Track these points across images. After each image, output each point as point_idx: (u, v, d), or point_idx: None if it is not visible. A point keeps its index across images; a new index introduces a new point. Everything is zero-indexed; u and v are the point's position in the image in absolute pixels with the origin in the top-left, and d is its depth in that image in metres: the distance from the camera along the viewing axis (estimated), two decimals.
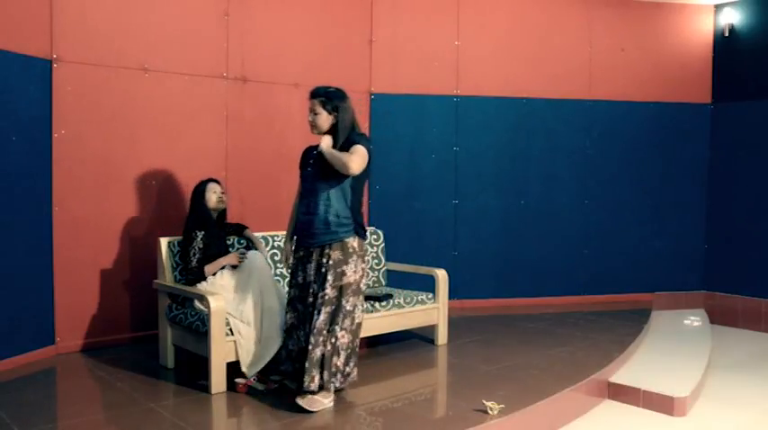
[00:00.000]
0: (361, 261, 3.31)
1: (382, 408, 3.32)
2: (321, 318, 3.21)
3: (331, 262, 3.23)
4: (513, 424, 3.14)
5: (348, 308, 3.27)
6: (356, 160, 3.14)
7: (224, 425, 3.19)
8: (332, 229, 3.23)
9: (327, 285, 3.23)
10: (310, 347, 3.20)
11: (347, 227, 3.26)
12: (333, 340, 3.24)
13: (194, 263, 3.76)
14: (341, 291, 3.25)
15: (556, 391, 3.48)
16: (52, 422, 3.06)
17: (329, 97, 3.28)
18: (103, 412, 3.22)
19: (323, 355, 3.22)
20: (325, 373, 3.22)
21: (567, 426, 3.48)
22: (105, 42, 4.31)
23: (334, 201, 3.24)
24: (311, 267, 3.30)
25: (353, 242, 3.27)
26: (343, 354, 3.28)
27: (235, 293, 3.70)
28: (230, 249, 4.01)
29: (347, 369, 3.34)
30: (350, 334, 3.30)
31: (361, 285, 3.35)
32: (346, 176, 3.21)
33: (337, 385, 3.30)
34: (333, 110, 3.27)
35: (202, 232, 3.81)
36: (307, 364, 3.20)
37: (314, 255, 3.29)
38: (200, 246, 3.78)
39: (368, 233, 3.53)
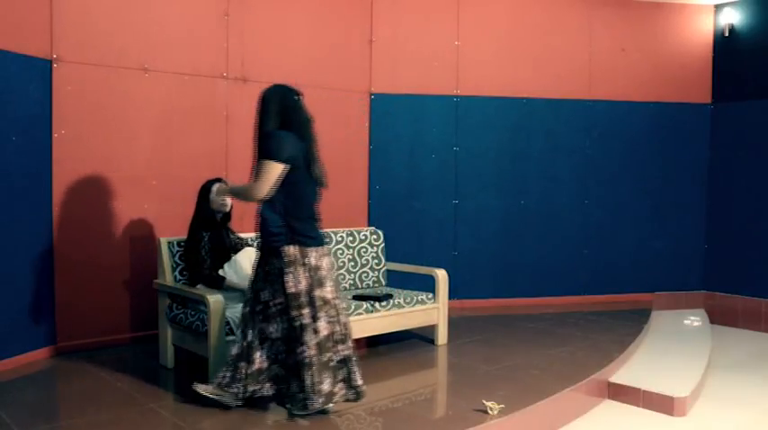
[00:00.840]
0: (304, 270, 3.05)
1: (382, 408, 3.33)
2: (283, 326, 3.12)
3: (275, 270, 3.09)
4: (513, 424, 3.14)
5: (303, 320, 3.04)
6: (257, 185, 3.00)
7: (224, 425, 3.19)
8: (266, 238, 3.10)
9: (277, 294, 3.09)
10: (285, 357, 3.14)
11: (279, 236, 3.05)
12: (300, 352, 3.05)
13: (209, 262, 3.74)
14: (288, 300, 3.06)
15: (556, 391, 3.48)
16: (52, 422, 3.07)
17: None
18: (103, 412, 3.22)
19: (296, 363, 3.09)
20: (301, 383, 3.08)
21: (567, 426, 3.48)
22: (105, 42, 4.30)
23: (264, 209, 3.11)
24: (260, 271, 3.18)
25: (290, 250, 3.05)
26: (314, 371, 3.02)
27: (234, 293, 3.71)
28: (231, 253, 4.00)
29: (323, 387, 3.03)
30: (315, 348, 3.03)
31: (318, 293, 3.07)
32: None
33: (317, 405, 3.03)
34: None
35: (208, 233, 3.80)
36: (285, 373, 3.16)
37: (261, 260, 3.18)
38: (209, 246, 3.77)
39: (319, 238, 3.18)
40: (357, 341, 4.28)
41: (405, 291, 4.52)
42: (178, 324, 3.77)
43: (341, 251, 4.65)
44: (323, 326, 3.07)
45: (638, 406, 3.76)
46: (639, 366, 4.25)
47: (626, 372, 4.09)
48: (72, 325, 4.23)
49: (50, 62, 4.10)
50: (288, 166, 3.05)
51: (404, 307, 4.32)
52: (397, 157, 5.68)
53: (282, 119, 3.13)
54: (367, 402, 3.38)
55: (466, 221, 5.81)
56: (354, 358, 3.22)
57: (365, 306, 4.11)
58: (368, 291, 4.51)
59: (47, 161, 4.10)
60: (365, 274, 4.75)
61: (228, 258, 3.85)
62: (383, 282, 4.84)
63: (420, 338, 4.65)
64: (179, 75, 4.62)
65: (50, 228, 4.13)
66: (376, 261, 4.80)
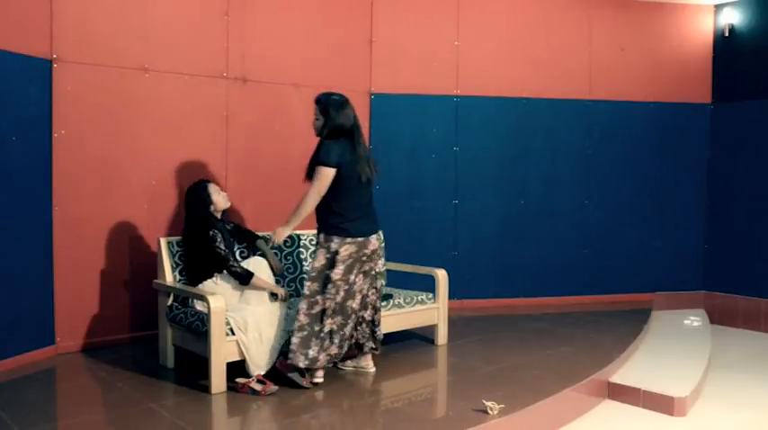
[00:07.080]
0: (324, 251, 3.57)
1: (382, 408, 3.33)
2: None
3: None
4: (513, 424, 3.14)
5: (305, 292, 3.55)
6: (307, 199, 3.53)
7: (224, 425, 3.19)
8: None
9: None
10: None
11: (320, 226, 3.66)
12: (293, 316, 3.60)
13: (233, 258, 3.73)
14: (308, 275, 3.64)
15: (556, 391, 3.48)
16: (52, 422, 3.07)
17: (320, 103, 3.63)
18: (103, 412, 3.23)
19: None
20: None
21: (567, 426, 3.48)
22: (105, 42, 4.30)
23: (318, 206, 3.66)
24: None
25: (320, 238, 3.64)
26: (297, 334, 3.50)
27: (237, 293, 3.71)
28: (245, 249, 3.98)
29: (304, 350, 3.48)
30: (305, 316, 3.51)
31: (327, 272, 3.53)
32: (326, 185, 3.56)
33: (292, 362, 3.48)
34: (323, 114, 3.63)
35: (217, 230, 3.78)
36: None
37: None
38: (224, 243, 3.74)
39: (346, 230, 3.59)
40: None
41: (405, 291, 4.51)
42: (178, 324, 3.77)
43: None
44: (318, 299, 3.53)
45: (637, 406, 3.76)
46: (639, 366, 4.25)
47: (626, 372, 4.09)
48: (72, 325, 4.23)
49: (50, 62, 4.10)
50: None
51: (404, 307, 4.32)
52: (397, 157, 5.67)
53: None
54: (367, 402, 3.39)
55: (466, 221, 5.81)
56: (344, 333, 3.62)
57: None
58: None
59: (47, 161, 4.10)
60: None
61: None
62: (383, 282, 4.83)
63: (420, 338, 4.65)
64: (179, 75, 4.62)
65: (50, 228, 4.13)
66: None
